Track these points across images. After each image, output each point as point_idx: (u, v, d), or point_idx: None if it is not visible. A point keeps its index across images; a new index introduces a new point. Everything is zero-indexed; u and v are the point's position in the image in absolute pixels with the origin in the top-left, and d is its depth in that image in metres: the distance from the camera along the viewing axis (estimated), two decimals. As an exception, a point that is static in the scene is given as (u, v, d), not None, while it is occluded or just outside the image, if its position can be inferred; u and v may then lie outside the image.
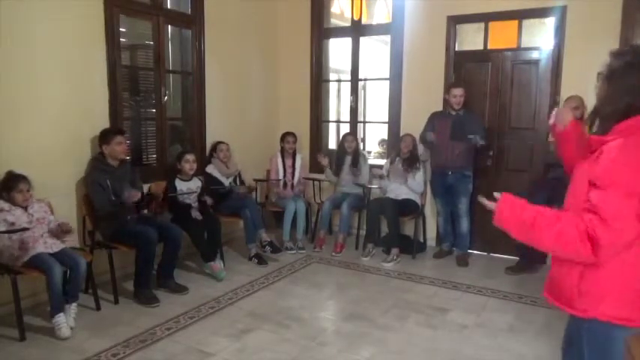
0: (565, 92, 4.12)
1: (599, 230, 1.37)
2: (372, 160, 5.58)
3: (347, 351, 2.87)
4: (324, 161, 4.97)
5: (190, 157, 4.11)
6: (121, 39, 3.86)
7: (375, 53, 6.28)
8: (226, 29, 4.87)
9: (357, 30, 5.37)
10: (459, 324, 3.25)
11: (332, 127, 6.05)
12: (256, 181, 5.05)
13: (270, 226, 5.04)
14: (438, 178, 4.58)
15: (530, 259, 4.15)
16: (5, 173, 3.03)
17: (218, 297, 3.62)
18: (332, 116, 6.00)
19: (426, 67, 4.83)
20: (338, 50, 5.74)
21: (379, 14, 5.92)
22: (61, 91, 3.47)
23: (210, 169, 4.52)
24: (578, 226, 1.40)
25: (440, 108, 4.68)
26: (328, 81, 5.80)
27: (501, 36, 4.63)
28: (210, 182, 4.38)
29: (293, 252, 4.68)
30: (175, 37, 4.63)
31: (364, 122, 5.74)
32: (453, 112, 4.39)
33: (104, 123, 3.73)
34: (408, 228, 4.93)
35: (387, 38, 5.19)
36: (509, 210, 1.51)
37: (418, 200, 4.72)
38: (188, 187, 4.10)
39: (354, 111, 5.49)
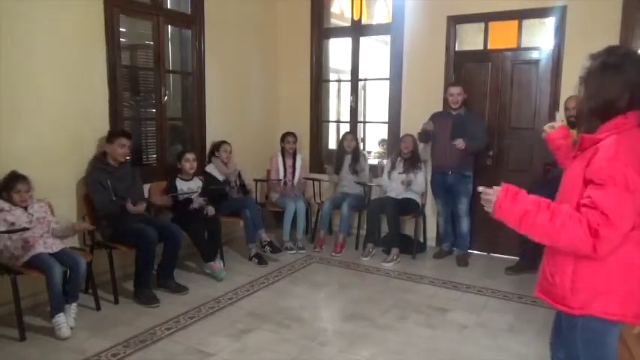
0: (565, 92, 4.13)
1: (602, 226, 1.39)
2: (372, 160, 5.58)
3: (347, 351, 2.87)
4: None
5: (190, 156, 4.11)
6: (121, 39, 3.86)
7: (375, 53, 6.28)
8: (226, 29, 4.87)
9: (357, 30, 5.37)
10: (459, 324, 3.25)
11: (332, 127, 6.05)
12: (256, 181, 5.05)
13: (270, 226, 5.04)
14: (438, 178, 4.58)
15: (530, 259, 4.15)
16: (8, 173, 3.03)
17: (218, 297, 3.62)
18: (332, 116, 6.00)
19: (426, 67, 4.83)
20: (338, 50, 5.74)
21: (379, 14, 5.92)
22: (61, 91, 3.47)
23: (209, 168, 4.52)
24: (582, 220, 1.41)
25: (440, 108, 4.68)
26: (328, 81, 5.80)
27: (501, 36, 4.63)
28: (209, 182, 4.38)
29: (293, 252, 4.68)
30: (175, 37, 4.63)
31: (364, 122, 5.74)
32: (454, 112, 4.39)
33: (104, 123, 3.73)
34: (408, 228, 4.93)
35: (387, 38, 5.19)
36: (510, 199, 1.50)
37: (418, 200, 4.72)
38: (189, 187, 4.10)
39: (354, 111, 5.49)
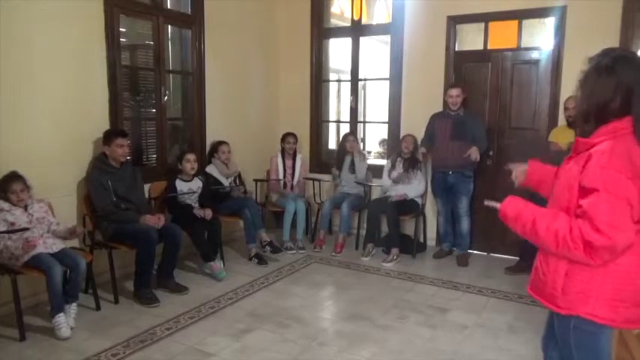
0: (565, 92, 4.13)
1: (591, 236, 1.40)
2: (372, 160, 5.59)
3: (347, 351, 2.87)
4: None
5: (191, 156, 4.10)
6: (121, 39, 3.86)
7: (375, 53, 6.28)
8: (226, 29, 4.87)
9: (357, 30, 5.37)
10: (459, 324, 3.25)
11: (332, 127, 6.05)
12: (256, 181, 5.05)
13: (270, 226, 5.05)
14: (438, 177, 4.58)
15: (530, 259, 4.14)
16: (7, 173, 3.03)
17: (218, 297, 3.62)
18: (332, 116, 6.01)
19: (426, 67, 4.83)
20: (338, 50, 5.74)
21: (379, 14, 5.92)
22: (61, 91, 3.47)
23: (210, 169, 4.52)
24: (572, 230, 1.43)
25: (440, 108, 4.68)
26: (328, 81, 5.80)
27: (501, 36, 4.63)
28: (209, 182, 4.38)
29: (293, 252, 4.68)
30: (175, 37, 4.62)
31: (364, 122, 5.75)
32: (453, 113, 4.39)
33: (104, 123, 3.73)
34: (409, 228, 4.93)
35: (387, 38, 5.19)
36: (511, 211, 1.61)
37: (419, 199, 4.72)
38: (189, 188, 4.10)
39: (354, 111, 5.49)
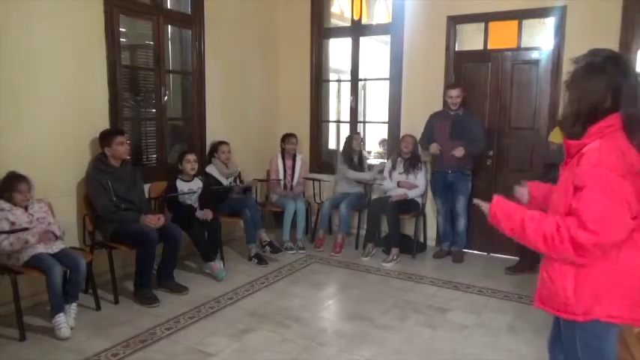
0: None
1: (578, 233, 1.40)
2: (371, 160, 5.58)
3: (347, 351, 2.87)
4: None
5: (191, 157, 4.10)
6: (121, 39, 3.86)
7: (375, 53, 6.27)
8: (226, 29, 4.87)
9: (357, 30, 5.36)
10: (459, 324, 3.25)
11: (332, 127, 6.05)
12: (256, 181, 5.05)
13: (270, 226, 5.04)
14: (438, 176, 4.59)
15: (530, 259, 4.15)
16: (6, 173, 3.03)
17: (218, 297, 3.62)
18: (332, 116, 6.00)
19: (426, 67, 4.83)
20: (338, 50, 5.74)
21: (379, 14, 5.92)
22: (61, 91, 3.47)
23: (210, 169, 4.52)
24: (559, 229, 1.43)
25: (440, 108, 4.68)
26: (328, 81, 5.80)
27: (501, 36, 4.63)
28: (209, 182, 4.38)
29: (293, 252, 4.68)
30: (175, 37, 4.62)
31: (364, 122, 5.74)
32: (452, 112, 4.39)
33: (104, 123, 3.73)
34: (409, 228, 4.93)
35: (387, 38, 5.19)
36: (500, 213, 1.59)
37: (419, 199, 4.72)
38: (189, 188, 4.10)
39: (354, 111, 5.49)
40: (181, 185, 4.08)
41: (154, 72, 4.23)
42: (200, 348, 2.85)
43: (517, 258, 4.31)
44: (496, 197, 1.62)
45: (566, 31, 4.19)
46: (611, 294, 1.48)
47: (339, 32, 5.58)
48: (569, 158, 1.57)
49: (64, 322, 2.93)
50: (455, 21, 4.69)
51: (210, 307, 3.44)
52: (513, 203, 1.60)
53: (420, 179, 4.68)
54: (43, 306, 3.20)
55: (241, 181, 4.72)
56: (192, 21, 4.55)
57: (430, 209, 4.93)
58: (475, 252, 4.79)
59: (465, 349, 2.91)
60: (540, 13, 4.35)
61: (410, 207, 4.66)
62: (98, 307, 3.35)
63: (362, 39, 5.37)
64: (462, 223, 4.55)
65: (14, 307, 2.91)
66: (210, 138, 4.73)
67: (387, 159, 5.00)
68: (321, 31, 5.49)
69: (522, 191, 1.90)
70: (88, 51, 3.62)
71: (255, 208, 4.50)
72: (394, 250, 4.55)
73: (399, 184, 4.70)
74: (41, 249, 2.99)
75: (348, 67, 5.45)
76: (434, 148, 4.44)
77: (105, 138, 3.54)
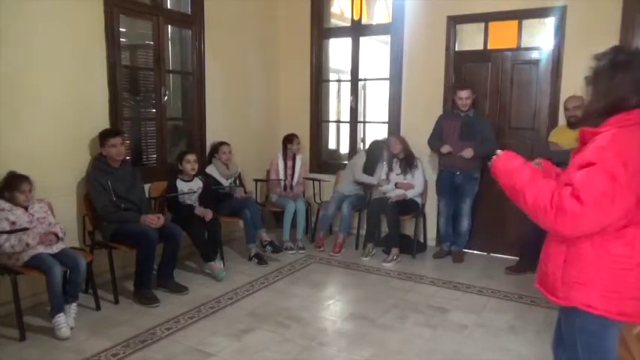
0: (565, 92, 4.13)
1: (566, 199, 1.40)
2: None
3: (347, 351, 2.87)
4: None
5: (191, 157, 4.10)
6: (121, 39, 3.86)
7: (375, 53, 6.27)
8: (226, 29, 4.87)
9: (357, 30, 5.37)
10: (459, 324, 3.25)
11: (332, 127, 6.05)
12: (256, 181, 5.05)
13: (270, 226, 5.04)
14: (445, 177, 4.56)
15: (530, 259, 4.15)
16: (7, 173, 3.03)
17: (218, 297, 3.62)
18: (332, 116, 6.00)
19: (426, 67, 4.83)
20: (338, 50, 5.74)
21: (379, 14, 5.91)
22: (61, 91, 3.47)
23: (210, 169, 4.52)
24: (553, 191, 1.44)
25: (440, 108, 4.68)
26: (328, 81, 5.80)
27: (501, 36, 4.63)
28: (209, 183, 4.38)
29: (293, 252, 4.68)
30: (175, 37, 4.63)
31: (364, 122, 5.74)
32: (462, 114, 4.37)
33: (104, 123, 3.73)
34: (408, 228, 4.93)
35: (387, 38, 5.19)
36: (504, 159, 1.61)
37: (419, 199, 4.72)
38: (189, 188, 4.10)
39: (354, 111, 5.49)
40: (181, 185, 4.08)
41: (153, 72, 4.23)
42: (200, 348, 2.85)
43: (517, 258, 4.30)
44: (505, 152, 1.64)
45: (566, 31, 4.18)
46: (592, 284, 1.50)
47: (339, 32, 5.58)
48: (582, 145, 1.56)
49: (64, 322, 2.93)
50: (455, 21, 4.69)
51: (210, 307, 3.44)
52: (520, 160, 1.59)
53: (418, 178, 4.66)
54: (43, 306, 3.20)
55: (241, 182, 4.72)
56: (192, 21, 4.55)
57: (430, 209, 4.92)
58: (475, 252, 4.79)
59: (465, 349, 2.91)
60: (540, 13, 4.35)
61: (410, 208, 4.66)
62: (98, 307, 3.35)
63: (362, 39, 5.37)
64: (465, 224, 4.53)
65: (14, 307, 2.91)
66: (211, 138, 4.73)
67: (384, 162, 4.90)
68: (321, 31, 5.49)
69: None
70: (87, 51, 3.62)
71: (255, 208, 4.50)
72: (394, 250, 4.55)
73: (396, 186, 4.69)
74: (41, 249, 2.99)
75: (348, 67, 5.45)
76: (445, 149, 4.38)
77: (101, 138, 3.55)
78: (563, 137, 3.90)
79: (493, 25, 4.59)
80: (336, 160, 5.88)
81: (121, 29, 3.86)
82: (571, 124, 3.93)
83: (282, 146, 5.06)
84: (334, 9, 5.78)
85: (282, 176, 4.98)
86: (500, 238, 4.60)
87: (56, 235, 3.09)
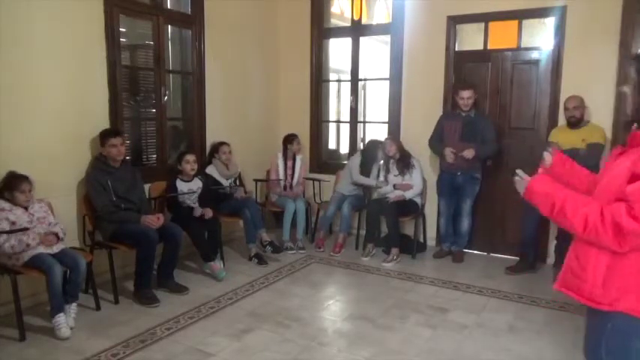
0: (565, 92, 4.13)
1: (623, 218, 1.36)
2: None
3: (347, 351, 2.87)
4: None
5: (191, 157, 4.10)
6: (121, 39, 3.86)
7: (375, 53, 6.27)
8: (226, 29, 4.87)
9: (357, 30, 5.37)
10: (459, 324, 3.25)
11: (332, 127, 6.05)
12: (256, 181, 5.05)
13: (270, 226, 5.04)
14: (446, 177, 4.55)
15: (530, 259, 4.15)
16: (7, 173, 3.03)
17: (218, 297, 3.62)
18: (332, 116, 6.00)
19: (426, 67, 4.83)
20: (338, 50, 5.74)
21: (379, 14, 5.91)
22: (61, 91, 3.47)
23: (210, 169, 4.51)
24: (603, 212, 1.39)
25: (440, 108, 4.67)
26: (328, 81, 5.80)
27: (501, 36, 4.63)
28: (209, 183, 4.37)
29: (293, 252, 4.68)
30: (175, 37, 4.63)
31: (364, 122, 5.74)
32: (464, 114, 4.37)
33: (104, 123, 3.73)
34: (408, 228, 4.93)
35: (387, 38, 5.19)
36: (539, 189, 1.56)
37: (418, 200, 4.72)
38: (189, 188, 4.10)
39: (354, 111, 5.49)
40: (181, 185, 4.08)
41: (153, 72, 4.23)
42: (200, 348, 2.85)
43: (517, 258, 4.30)
44: (542, 174, 1.63)
45: (566, 31, 4.18)
46: (639, 289, 1.45)
47: (339, 32, 5.58)
48: (629, 147, 1.52)
49: (64, 322, 2.93)
50: (455, 21, 4.69)
51: (210, 307, 3.44)
52: (558, 184, 1.56)
53: (416, 178, 4.65)
54: (43, 306, 3.20)
55: (241, 183, 4.72)
56: (192, 21, 4.55)
57: (430, 209, 4.92)
58: (475, 252, 4.79)
59: (465, 349, 2.91)
60: (540, 13, 4.34)
61: (409, 208, 4.65)
62: (98, 307, 3.35)
63: (362, 39, 5.38)
64: (465, 224, 4.53)
65: (14, 307, 2.91)
66: (211, 138, 4.73)
67: (381, 163, 4.88)
68: (321, 31, 5.49)
69: (547, 156, 1.89)
70: (87, 51, 3.62)
71: (255, 208, 4.50)
72: (394, 250, 4.55)
73: (395, 187, 4.69)
74: (41, 249, 2.99)
75: (348, 67, 5.45)
76: (448, 153, 4.33)
77: (101, 138, 3.55)
78: (563, 137, 3.90)
79: (493, 25, 4.59)
80: (336, 160, 5.88)
81: (121, 29, 3.86)
82: (571, 124, 3.93)
83: (282, 146, 5.06)
84: (334, 9, 5.78)
85: (282, 176, 4.98)
86: (500, 238, 4.60)
87: (56, 236, 3.09)
